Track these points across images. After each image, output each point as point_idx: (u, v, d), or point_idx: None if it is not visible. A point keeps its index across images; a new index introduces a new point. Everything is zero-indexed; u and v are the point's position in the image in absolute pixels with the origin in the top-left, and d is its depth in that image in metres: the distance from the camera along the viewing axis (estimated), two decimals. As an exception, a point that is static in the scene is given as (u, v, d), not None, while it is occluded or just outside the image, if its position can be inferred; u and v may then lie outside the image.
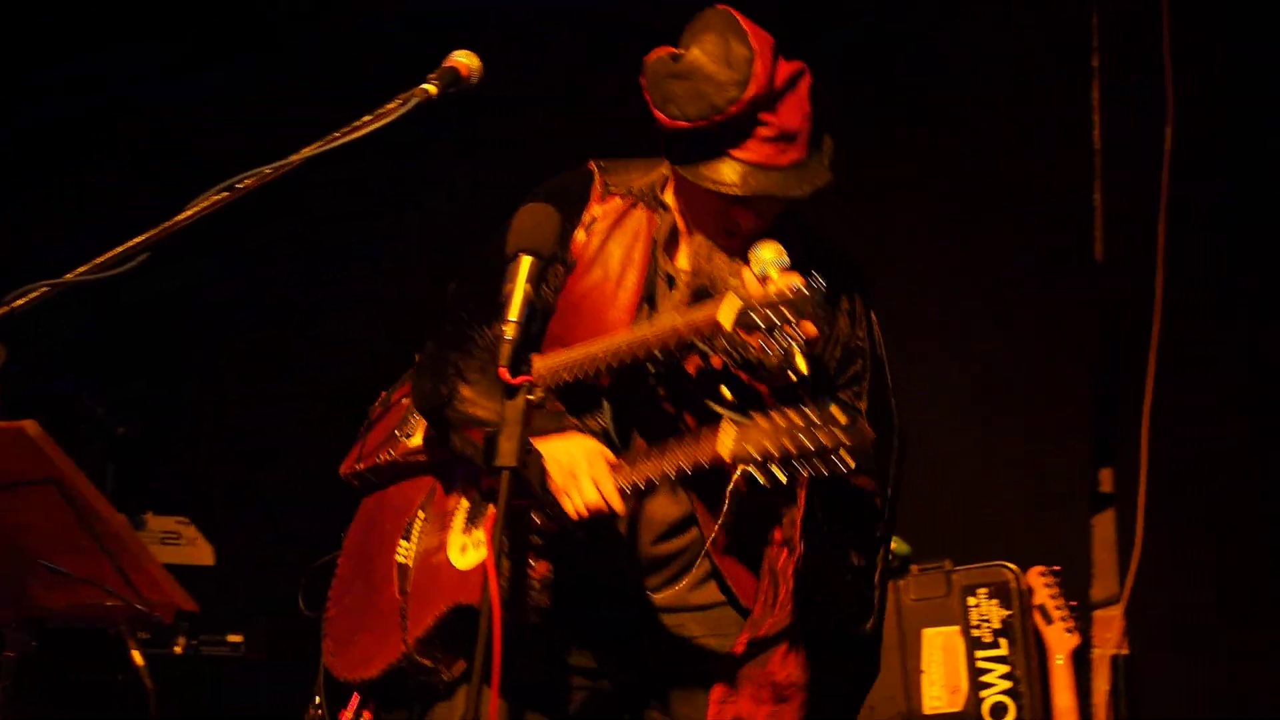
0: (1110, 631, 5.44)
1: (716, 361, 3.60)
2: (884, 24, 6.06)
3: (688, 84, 3.51)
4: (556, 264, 3.72)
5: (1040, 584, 5.35)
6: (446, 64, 3.35)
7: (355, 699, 3.89)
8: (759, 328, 3.34)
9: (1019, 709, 5.28)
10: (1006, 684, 5.30)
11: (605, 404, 3.72)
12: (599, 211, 3.81)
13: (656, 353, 3.54)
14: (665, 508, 3.73)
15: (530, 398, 3.04)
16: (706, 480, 3.50)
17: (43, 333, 6.15)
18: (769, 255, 3.45)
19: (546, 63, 6.47)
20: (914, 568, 5.49)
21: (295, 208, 6.31)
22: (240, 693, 5.73)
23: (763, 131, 3.50)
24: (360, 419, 4.25)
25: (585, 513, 3.48)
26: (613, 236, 3.79)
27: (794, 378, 3.28)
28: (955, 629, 5.39)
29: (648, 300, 3.71)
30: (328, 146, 3.23)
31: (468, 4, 6.05)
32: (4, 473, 3.79)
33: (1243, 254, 5.34)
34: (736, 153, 3.51)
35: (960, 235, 5.86)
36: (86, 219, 6.17)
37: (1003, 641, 5.33)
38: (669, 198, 3.80)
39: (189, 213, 3.15)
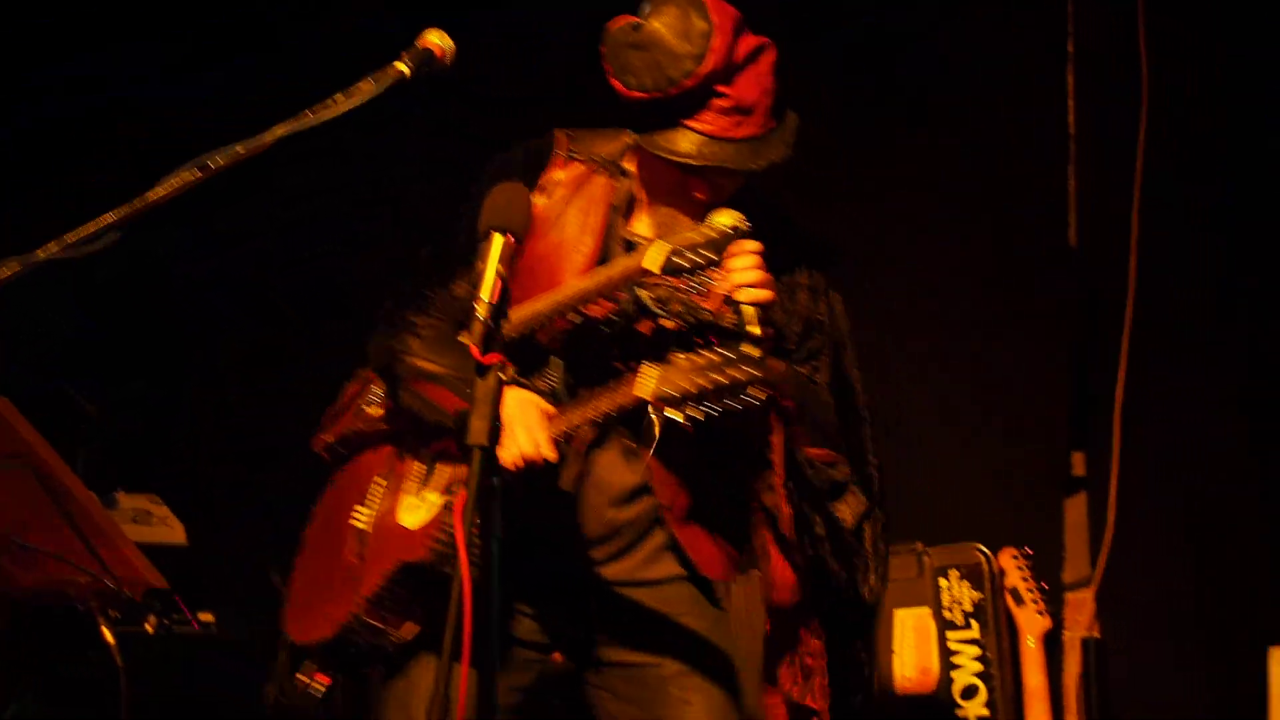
0: (1081, 614, 5.45)
1: (670, 323, 3.65)
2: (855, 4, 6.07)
3: (645, 55, 3.56)
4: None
5: (1012, 566, 5.36)
6: (420, 44, 3.35)
7: (311, 663, 3.91)
8: (685, 269, 3.39)
9: (990, 690, 5.29)
10: (978, 666, 5.32)
11: (555, 363, 3.75)
12: (561, 176, 3.86)
13: (599, 306, 3.62)
14: (621, 473, 3.78)
15: (503, 376, 3.05)
16: (664, 445, 3.52)
17: (42, 333, 6.17)
18: (726, 221, 3.48)
19: (546, 63, 6.47)
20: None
21: (301, 212, 6.36)
22: (212, 672, 5.73)
23: (719, 103, 3.56)
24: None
25: (520, 462, 3.50)
26: (572, 202, 3.84)
27: (754, 350, 3.30)
28: (927, 610, 5.40)
29: (604, 264, 3.73)
30: (301, 126, 3.23)
31: (467, 4, 6.05)
32: (-26, 450, 3.79)
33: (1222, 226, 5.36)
34: (692, 123, 3.57)
35: (934, 220, 5.87)
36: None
37: (974, 623, 5.34)
38: (630, 165, 3.84)
39: (161, 191, 3.14)
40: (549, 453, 3.52)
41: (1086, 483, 5.54)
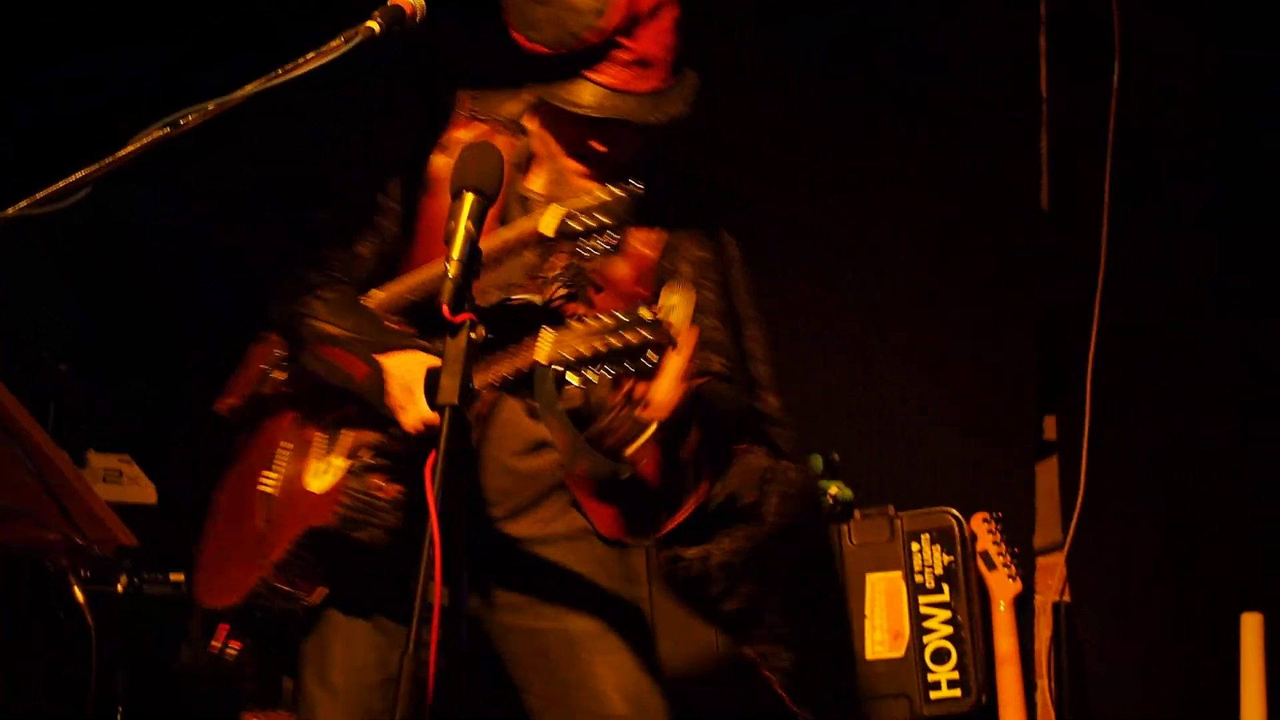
0: (1052, 579, 5.48)
1: (559, 290, 3.70)
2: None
3: (548, 9, 3.57)
4: (407, 189, 3.81)
5: (983, 530, 5.38)
6: (391, 1, 3.35)
7: (223, 628, 3.92)
8: (579, 234, 3.40)
9: (960, 654, 5.30)
10: (948, 629, 5.33)
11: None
12: (463, 135, 3.86)
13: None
14: (524, 428, 3.77)
15: (473, 335, 3.05)
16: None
17: (41, 333, 6.15)
18: (675, 300, 3.48)
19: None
20: (857, 513, 5.51)
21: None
22: (182, 631, 5.72)
23: (620, 55, 3.57)
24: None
25: (420, 425, 3.50)
26: None
27: (649, 313, 3.30)
28: (898, 574, 5.41)
29: (503, 223, 3.74)
30: (270, 84, 3.24)
31: (467, 4, 6.02)
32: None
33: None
34: (593, 75, 3.58)
35: (903, 183, 5.86)
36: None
37: (945, 587, 5.35)
38: (530, 123, 3.85)
39: (131, 148, 3.14)
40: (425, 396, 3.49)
41: (1058, 447, 5.55)
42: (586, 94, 3.60)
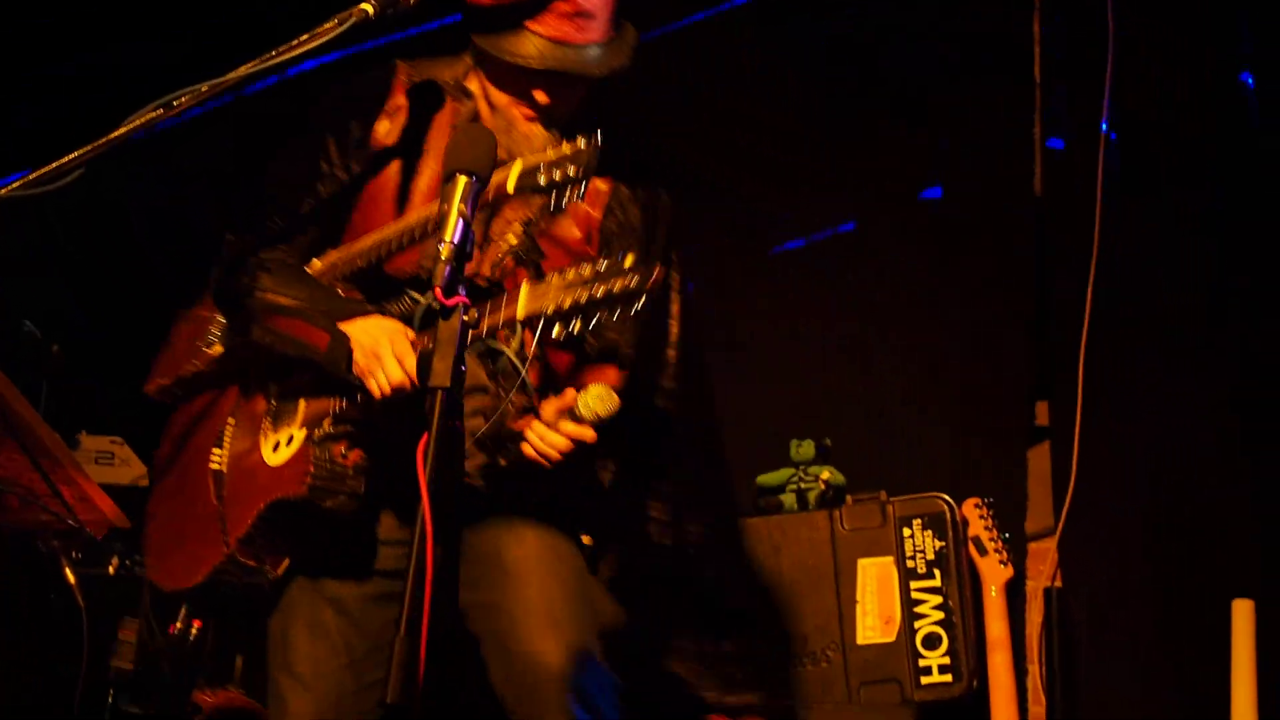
0: (1044, 564, 5.46)
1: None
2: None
3: None
4: (349, 156, 3.81)
5: (975, 516, 5.38)
6: None
7: (183, 610, 3.92)
8: (540, 188, 3.41)
9: (951, 640, 5.30)
10: (939, 615, 5.33)
11: (406, 292, 3.76)
12: (404, 101, 3.88)
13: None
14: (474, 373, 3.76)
15: (465, 319, 3.05)
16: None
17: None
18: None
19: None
20: (849, 498, 5.52)
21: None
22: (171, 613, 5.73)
23: (561, 7, 3.64)
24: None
25: (388, 390, 3.52)
26: (416, 126, 3.85)
27: (629, 259, 3.31)
28: (890, 559, 5.41)
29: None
30: (264, 65, 3.24)
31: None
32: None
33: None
34: (534, 25, 3.65)
35: (898, 169, 5.87)
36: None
37: (937, 572, 5.35)
38: (472, 84, 3.88)
39: (123, 129, 3.14)
40: (417, 378, 3.52)
41: (1050, 432, 5.55)
42: (528, 45, 3.65)
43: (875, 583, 5.41)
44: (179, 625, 3.88)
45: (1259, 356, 5.19)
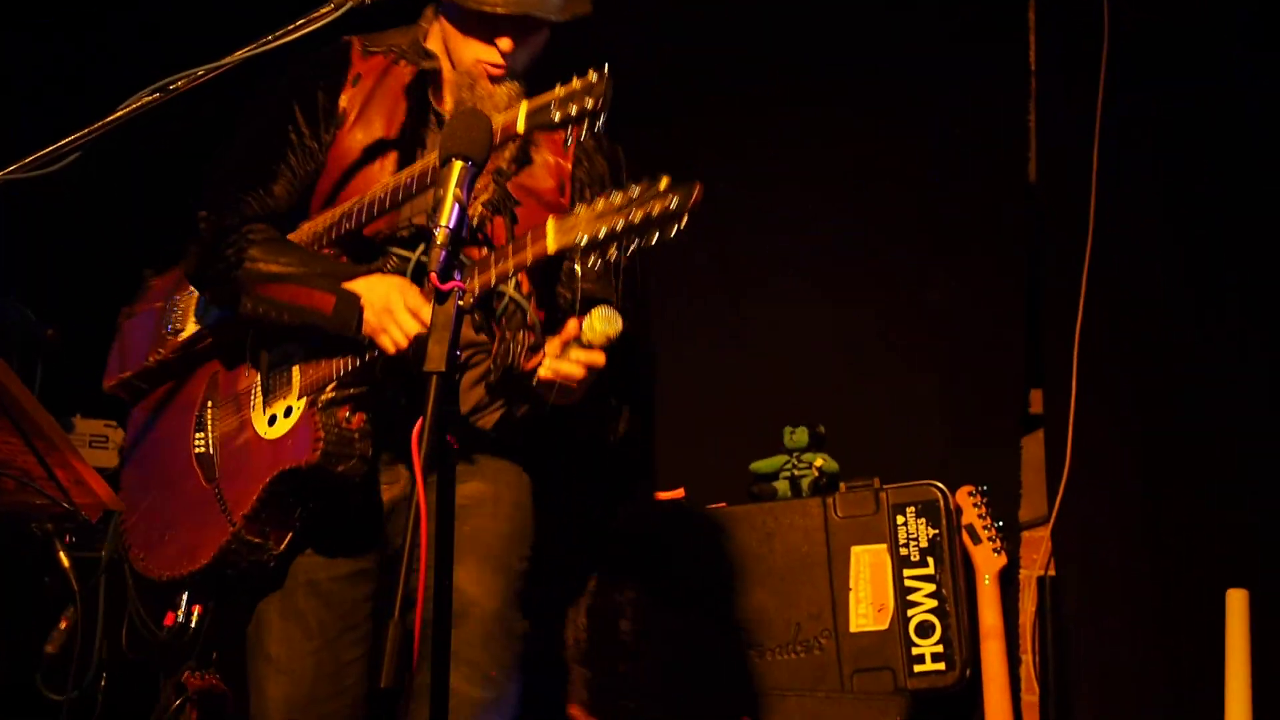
0: (1038, 553, 5.48)
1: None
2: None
3: None
4: (318, 125, 3.81)
5: (969, 504, 5.38)
6: None
7: (183, 597, 3.92)
8: (554, 124, 3.41)
9: (945, 628, 5.30)
10: (933, 603, 5.33)
11: (391, 252, 3.76)
12: (363, 69, 3.89)
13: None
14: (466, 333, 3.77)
15: (461, 303, 3.05)
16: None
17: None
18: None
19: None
20: (843, 485, 5.51)
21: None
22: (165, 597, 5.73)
23: None
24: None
25: (404, 343, 3.51)
26: (378, 92, 3.88)
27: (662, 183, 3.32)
28: (883, 547, 5.41)
29: (420, 145, 3.76)
30: (260, 49, 3.24)
31: None
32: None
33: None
34: None
35: (892, 153, 5.86)
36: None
37: (930, 560, 5.35)
38: (433, 45, 3.91)
39: (120, 113, 3.14)
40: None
41: (1044, 421, 5.55)
42: None
43: (869, 570, 5.41)
44: (179, 614, 3.88)
45: (1253, 346, 5.18)
